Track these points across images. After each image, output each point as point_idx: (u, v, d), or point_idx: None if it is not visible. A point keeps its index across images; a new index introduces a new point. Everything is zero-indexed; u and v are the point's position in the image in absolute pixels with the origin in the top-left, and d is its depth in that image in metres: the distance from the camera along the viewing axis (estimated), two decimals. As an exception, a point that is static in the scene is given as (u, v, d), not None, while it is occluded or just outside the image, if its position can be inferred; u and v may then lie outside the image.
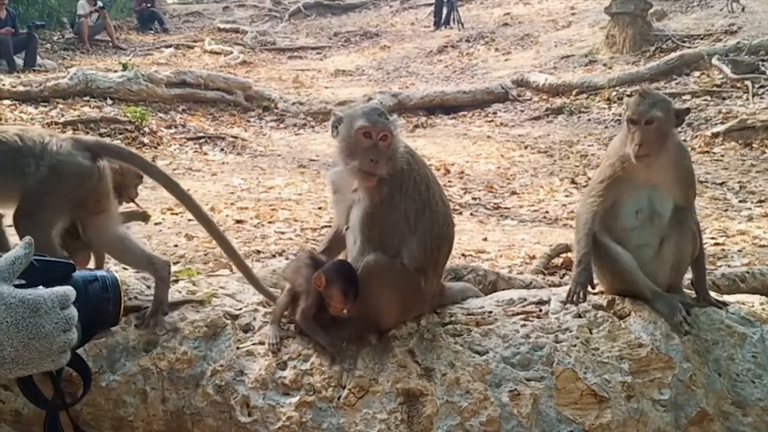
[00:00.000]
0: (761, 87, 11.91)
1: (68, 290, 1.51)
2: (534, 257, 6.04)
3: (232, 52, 18.93)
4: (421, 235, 2.90)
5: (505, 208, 8.29)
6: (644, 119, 3.05)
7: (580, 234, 3.19)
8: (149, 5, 22.89)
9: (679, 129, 3.51)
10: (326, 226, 6.47)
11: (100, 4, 19.53)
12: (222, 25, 23.32)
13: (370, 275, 2.80)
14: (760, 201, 7.98)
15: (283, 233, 6.78)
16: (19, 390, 1.64)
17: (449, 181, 9.13)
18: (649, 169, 3.09)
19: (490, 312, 3.05)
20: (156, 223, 7.12)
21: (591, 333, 2.94)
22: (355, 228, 2.93)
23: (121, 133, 10.85)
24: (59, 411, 1.70)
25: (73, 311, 1.51)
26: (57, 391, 1.69)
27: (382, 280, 2.82)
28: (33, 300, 1.45)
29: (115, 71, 13.46)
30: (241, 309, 3.06)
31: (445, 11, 21.25)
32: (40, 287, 1.50)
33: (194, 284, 3.24)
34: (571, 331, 2.93)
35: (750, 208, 7.78)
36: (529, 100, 13.66)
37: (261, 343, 2.92)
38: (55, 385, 1.67)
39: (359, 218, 2.90)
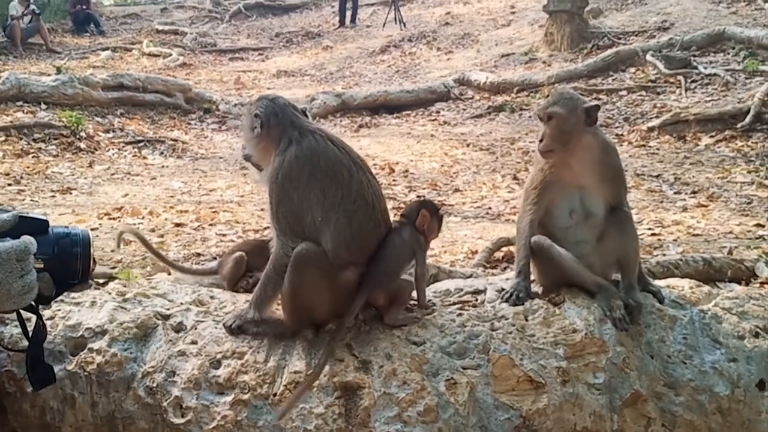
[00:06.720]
0: (693, 81, 12.24)
1: (28, 244, 1.66)
2: (476, 252, 6.07)
3: (171, 54, 18.58)
4: (337, 227, 2.83)
5: (449, 205, 8.31)
6: (546, 115, 3.13)
7: (520, 243, 3.18)
8: (84, 7, 22.34)
9: (606, 125, 3.54)
10: (268, 228, 6.38)
11: (33, 7, 18.96)
12: (160, 27, 22.85)
13: (299, 266, 2.76)
14: (694, 192, 8.18)
15: (224, 235, 6.67)
16: None
17: (394, 180, 9.13)
18: (570, 169, 3.12)
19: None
20: (93, 229, 6.94)
21: (526, 320, 2.95)
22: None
23: (56, 139, 10.52)
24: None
25: (29, 261, 1.67)
26: (22, 329, 1.97)
27: (312, 271, 2.78)
28: None
29: (49, 75, 13.06)
30: (170, 309, 2.98)
31: (388, 11, 21.33)
32: (8, 239, 1.66)
33: (124, 285, 3.16)
34: (506, 319, 2.94)
35: (684, 199, 7.97)
36: (471, 98, 13.75)
37: (194, 342, 2.86)
38: (20, 323, 1.96)
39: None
